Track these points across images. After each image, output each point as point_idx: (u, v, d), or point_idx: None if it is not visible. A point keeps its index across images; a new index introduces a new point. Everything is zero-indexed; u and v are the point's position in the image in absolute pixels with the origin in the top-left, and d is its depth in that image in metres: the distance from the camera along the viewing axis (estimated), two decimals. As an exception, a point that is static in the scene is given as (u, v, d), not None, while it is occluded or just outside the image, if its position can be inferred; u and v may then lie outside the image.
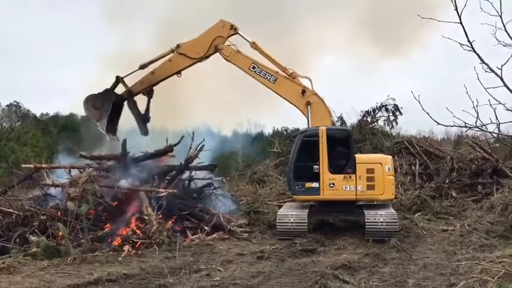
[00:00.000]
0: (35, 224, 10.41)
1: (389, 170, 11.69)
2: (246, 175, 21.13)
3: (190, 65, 13.67)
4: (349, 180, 11.50)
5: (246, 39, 13.38)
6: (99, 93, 13.76)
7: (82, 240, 10.08)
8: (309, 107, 12.46)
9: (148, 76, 13.85)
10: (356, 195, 11.49)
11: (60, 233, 9.99)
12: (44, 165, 13.08)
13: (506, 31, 2.85)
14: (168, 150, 13.31)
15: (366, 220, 11.20)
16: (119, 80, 13.84)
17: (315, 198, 11.87)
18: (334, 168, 11.63)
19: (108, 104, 13.55)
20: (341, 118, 25.03)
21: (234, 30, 13.37)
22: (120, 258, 9.27)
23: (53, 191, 12.06)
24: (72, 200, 10.80)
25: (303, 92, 12.61)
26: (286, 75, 13.00)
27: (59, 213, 10.71)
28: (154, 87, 14.08)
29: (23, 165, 13.56)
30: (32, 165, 13.17)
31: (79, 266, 8.62)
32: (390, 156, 12.73)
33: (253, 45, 13.31)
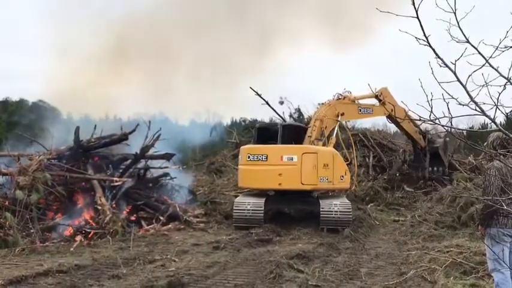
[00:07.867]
0: (-20, 213, 9.95)
1: (249, 158, 11.80)
2: (203, 165, 20.99)
3: None
4: None
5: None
6: None
7: (32, 230, 9.74)
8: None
9: None
10: None
11: (8, 223, 9.61)
12: (-10, 153, 12.53)
13: (459, 28, 2.91)
14: (122, 138, 13.03)
15: (321, 209, 11.39)
16: None
17: None
18: None
19: None
20: (298, 110, 25.21)
21: None
22: (71, 249, 8.99)
23: (0, 179, 11.57)
24: (21, 189, 10.39)
25: None
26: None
27: (7, 202, 10.29)
28: None
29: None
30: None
31: (28, 257, 8.29)
32: (250, 145, 12.75)
33: None
